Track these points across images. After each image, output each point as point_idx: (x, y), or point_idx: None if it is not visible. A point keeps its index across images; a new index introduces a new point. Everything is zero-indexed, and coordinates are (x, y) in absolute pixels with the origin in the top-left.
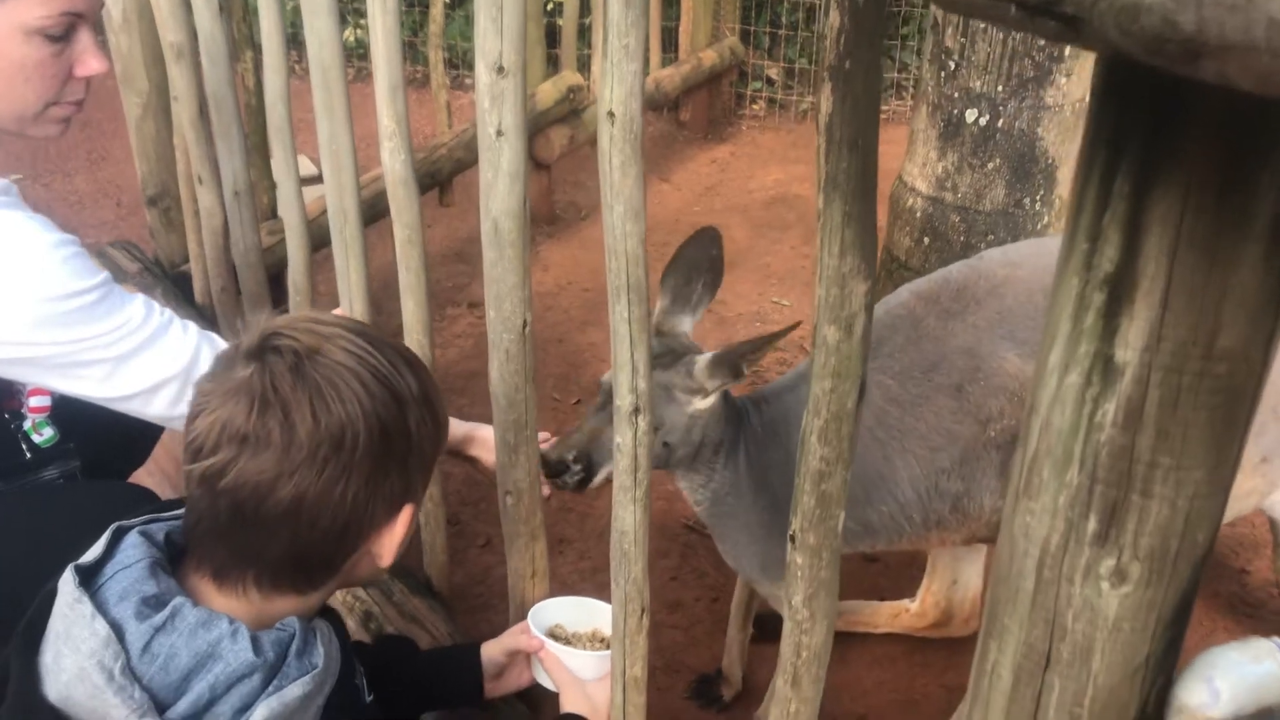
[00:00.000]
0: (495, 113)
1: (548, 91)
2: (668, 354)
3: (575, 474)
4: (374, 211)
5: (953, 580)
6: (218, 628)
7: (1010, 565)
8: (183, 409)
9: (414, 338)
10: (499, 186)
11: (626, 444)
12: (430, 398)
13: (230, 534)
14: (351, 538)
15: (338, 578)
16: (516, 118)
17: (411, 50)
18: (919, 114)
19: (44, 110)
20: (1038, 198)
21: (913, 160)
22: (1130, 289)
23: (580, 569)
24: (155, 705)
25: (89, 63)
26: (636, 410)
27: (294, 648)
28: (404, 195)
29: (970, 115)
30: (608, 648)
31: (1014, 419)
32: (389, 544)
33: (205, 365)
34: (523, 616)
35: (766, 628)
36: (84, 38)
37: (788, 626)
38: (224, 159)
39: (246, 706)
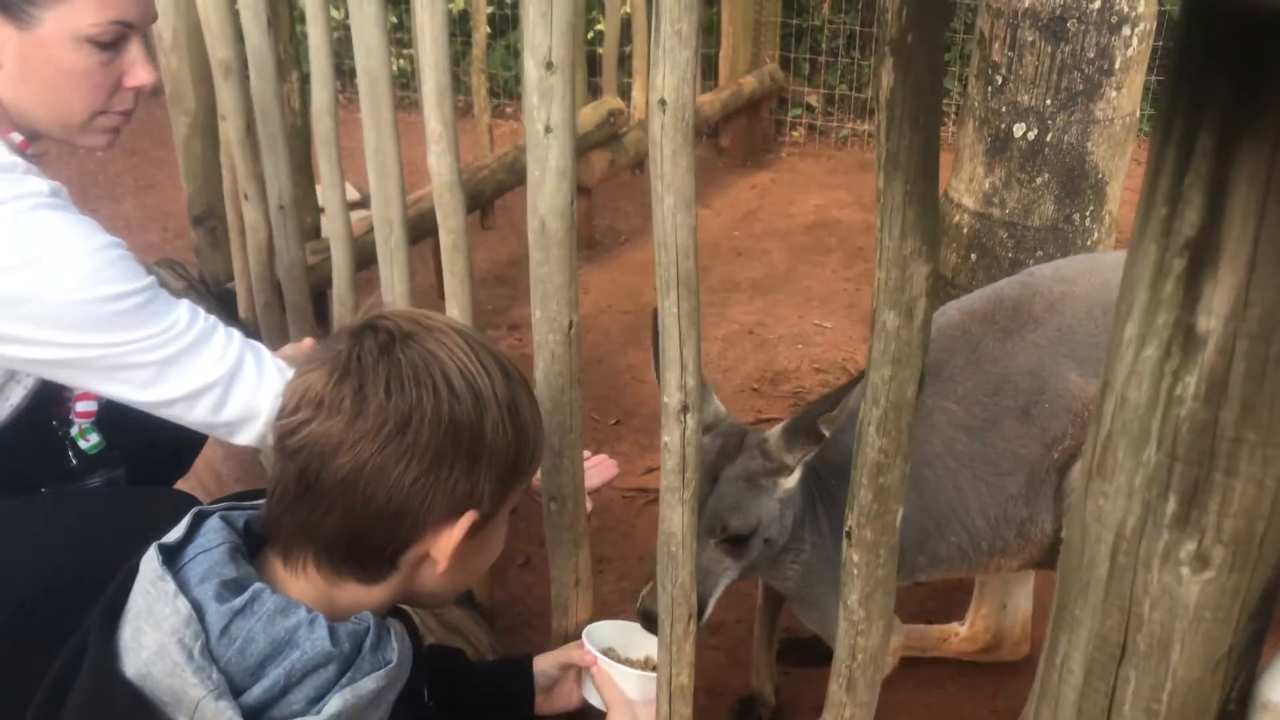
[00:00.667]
0: (544, 109)
1: (588, 116)
2: (723, 439)
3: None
4: (416, 232)
5: (1002, 604)
6: (296, 615)
7: (1082, 553)
8: (225, 416)
9: None
10: (546, 184)
11: (674, 443)
12: (517, 408)
13: (295, 504)
14: (406, 527)
15: (398, 574)
16: (565, 113)
17: (454, 80)
18: (965, 129)
19: (91, 120)
20: (1087, 213)
21: (959, 176)
22: (1214, 253)
23: (620, 589)
24: (230, 688)
25: (138, 73)
26: (685, 409)
27: (369, 641)
28: (450, 200)
29: (1018, 130)
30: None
31: (1076, 440)
32: (445, 546)
33: (249, 374)
34: (566, 626)
35: (811, 651)
36: (134, 48)
37: (843, 629)
38: (270, 173)
39: (320, 696)
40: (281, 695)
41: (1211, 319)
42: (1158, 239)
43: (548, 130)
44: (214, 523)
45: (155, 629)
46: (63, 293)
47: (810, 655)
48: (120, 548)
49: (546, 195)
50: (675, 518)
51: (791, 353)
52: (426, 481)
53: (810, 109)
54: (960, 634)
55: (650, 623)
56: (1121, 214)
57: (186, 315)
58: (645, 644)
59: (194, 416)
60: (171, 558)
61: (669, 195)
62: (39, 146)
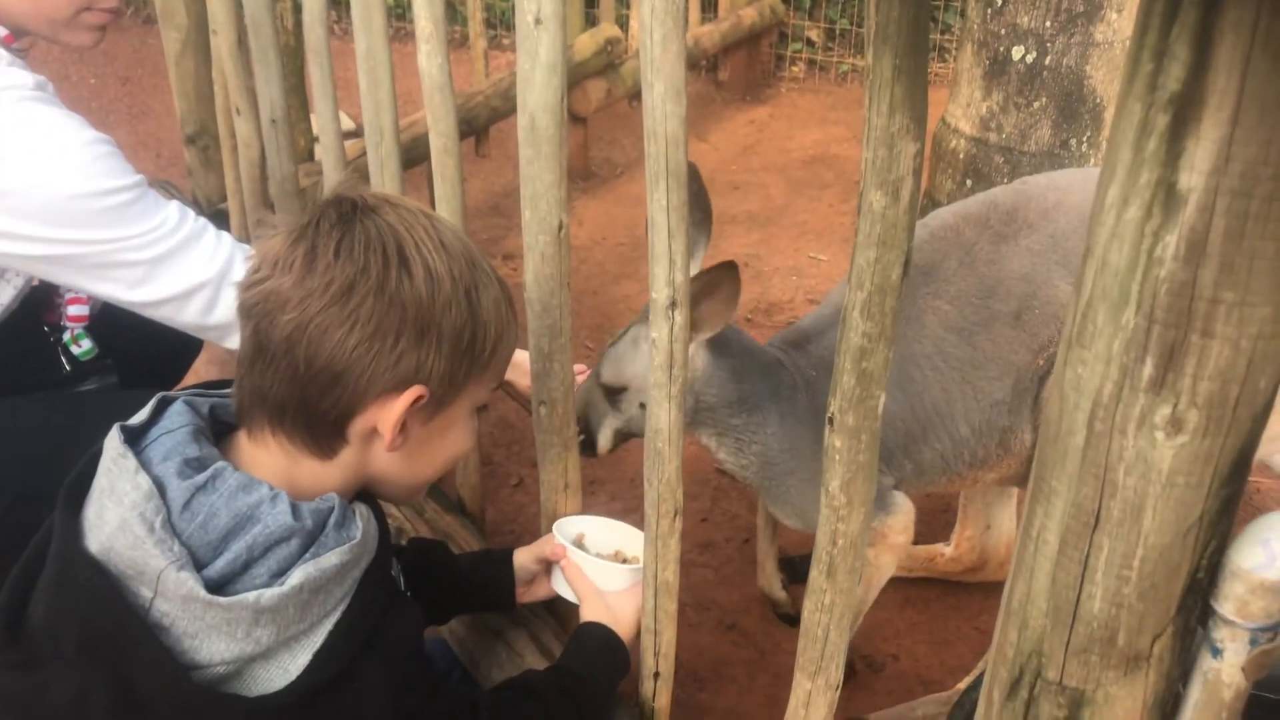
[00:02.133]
0: None
1: (585, 44)
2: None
3: (578, 437)
4: (409, 157)
5: (986, 525)
6: (258, 491)
7: (1060, 423)
8: (216, 318)
9: None
10: (536, 78)
11: (662, 339)
12: (475, 293)
13: (251, 366)
14: (348, 392)
15: (349, 449)
16: (556, 5)
17: (451, 11)
18: (964, 52)
19: (76, 15)
20: (1084, 139)
21: (956, 101)
22: (1198, 108)
23: (611, 510)
24: (193, 563)
25: None
26: (673, 304)
27: (333, 519)
28: (440, 101)
29: (1016, 52)
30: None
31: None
32: (386, 419)
33: (238, 274)
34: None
35: (798, 570)
36: None
37: (824, 515)
38: (261, 87)
39: (283, 570)
40: (244, 569)
41: (1193, 175)
42: (1142, 96)
43: (538, 22)
44: (178, 406)
45: (117, 504)
46: (51, 187)
47: (772, 604)
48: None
49: (536, 90)
50: (662, 414)
51: (785, 284)
52: (369, 348)
53: (810, 44)
54: (946, 554)
55: None
56: None
57: (176, 214)
58: (615, 538)
59: (185, 318)
60: (135, 439)
61: (659, 82)
62: (24, 43)
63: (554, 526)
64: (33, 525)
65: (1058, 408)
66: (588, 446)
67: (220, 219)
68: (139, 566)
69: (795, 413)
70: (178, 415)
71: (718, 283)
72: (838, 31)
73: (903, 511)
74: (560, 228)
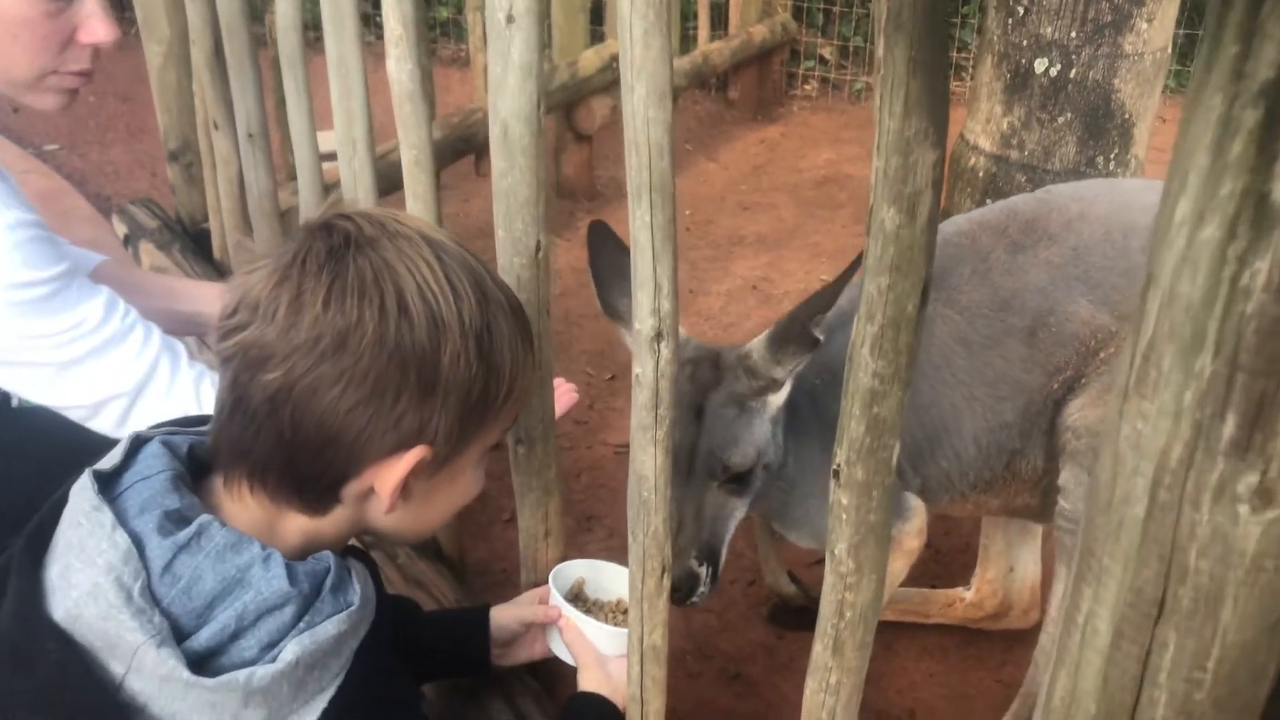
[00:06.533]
0: None
1: (590, 60)
2: (692, 365)
3: (706, 579)
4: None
5: (1009, 568)
6: (248, 551)
7: (1113, 488)
8: (129, 431)
9: None
10: (509, 82)
11: (646, 375)
12: (489, 338)
13: (229, 418)
14: (341, 458)
15: (343, 508)
16: (530, 2)
17: (457, 28)
18: (983, 65)
19: (40, 79)
20: (1112, 156)
21: (975, 116)
22: None
23: (610, 547)
24: (174, 632)
25: (94, 28)
26: (659, 335)
27: (329, 582)
28: (411, 111)
29: (1040, 65)
30: None
31: (1077, 373)
32: (385, 482)
33: (161, 383)
34: (535, 580)
35: (805, 615)
36: (90, 1)
37: (829, 581)
38: (238, 99)
39: (275, 642)
40: (232, 640)
41: None
42: (1224, 86)
43: (510, 19)
44: (153, 448)
45: (88, 565)
46: None
47: (804, 619)
48: (53, 477)
49: (509, 95)
50: (647, 459)
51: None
52: (365, 410)
53: (823, 61)
54: (965, 599)
55: (675, 593)
56: (1149, 158)
57: (100, 312)
58: (618, 585)
59: (96, 426)
60: (105, 486)
61: (640, 84)
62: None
63: (551, 575)
64: None
65: (1110, 469)
66: (715, 580)
67: (203, 239)
68: (111, 640)
69: (806, 429)
70: (154, 459)
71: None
72: (851, 49)
73: (917, 515)
74: (538, 249)
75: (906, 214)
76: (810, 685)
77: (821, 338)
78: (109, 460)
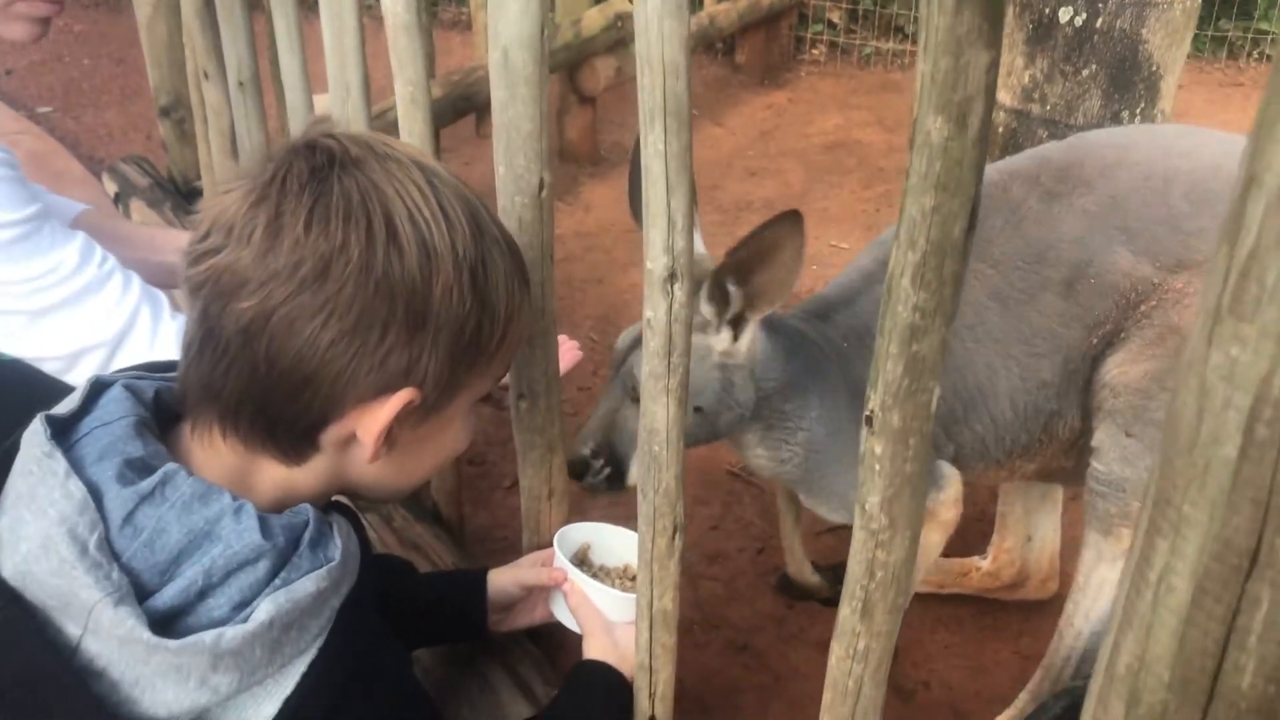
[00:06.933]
0: None
1: (594, 18)
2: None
3: (599, 470)
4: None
5: (1027, 536)
6: (218, 502)
7: (1198, 427)
8: None
9: None
10: (510, 4)
11: (658, 319)
12: (484, 272)
13: (199, 353)
14: (320, 399)
15: (322, 456)
16: None
17: None
18: (1005, 15)
19: (7, 4)
20: (1138, 110)
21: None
22: None
23: (611, 514)
24: (135, 590)
25: None
26: (672, 276)
27: (307, 536)
28: (406, 44)
29: (1064, 14)
30: None
31: (1116, 327)
32: (371, 427)
33: (142, 333)
34: (538, 544)
35: (793, 589)
36: None
37: (859, 538)
38: (228, 45)
39: (247, 600)
40: (199, 599)
41: None
42: None
43: None
44: (115, 392)
45: (39, 517)
46: None
47: (809, 590)
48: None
49: (511, 18)
50: (659, 411)
51: (806, 274)
52: (348, 345)
53: (832, 25)
54: (982, 568)
55: (569, 467)
56: (1175, 113)
57: (75, 257)
58: (624, 549)
59: (73, 379)
60: (63, 433)
61: None
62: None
63: (555, 538)
64: None
65: (1194, 405)
66: (615, 480)
67: (195, 198)
68: (65, 598)
69: (833, 390)
70: (116, 403)
71: (778, 243)
72: (860, 13)
73: (952, 483)
74: (541, 187)
75: (956, 124)
76: (836, 651)
77: (733, 289)
78: (65, 405)
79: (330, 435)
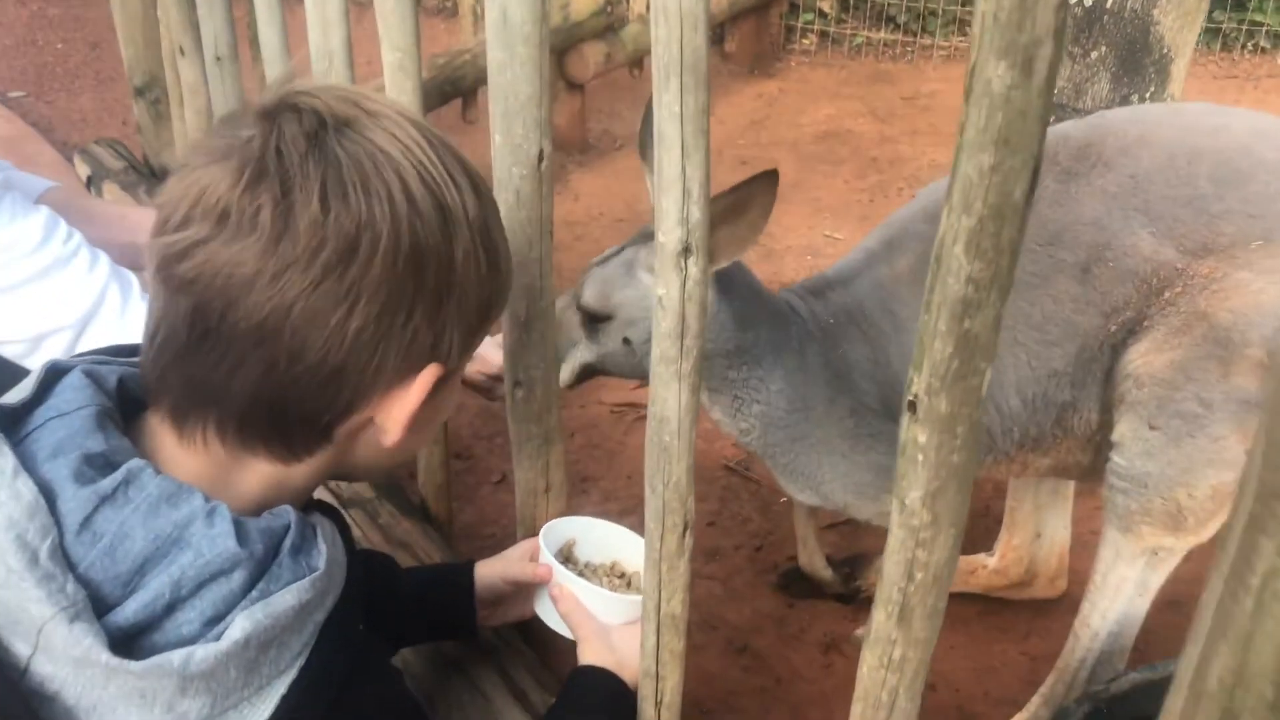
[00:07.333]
0: None
1: (584, 3)
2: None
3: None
4: None
5: (1036, 533)
6: (188, 504)
7: None
8: None
9: None
10: None
11: (671, 297)
12: (490, 233)
13: (189, 354)
14: (347, 391)
15: (330, 450)
16: None
17: None
18: None
19: None
20: (1147, 95)
21: None
22: None
23: (606, 511)
24: (94, 604)
25: None
26: (686, 250)
27: (289, 542)
28: (394, 6)
29: None
30: (629, 586)
31: (1138, 313)
32: (398, 415)
33: (110, 315)
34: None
35: (796, 585)
36: None
37: (897, 536)
38: (205, 17)
39: (220, 615)
40: (166, 614)
41: None
42: None
43: None
44: (74, 379)
45: None
46: None
47: (816, 587)
48: None
49: None
50: (669, 397)
51: (800, 264)
52: (377, 329)
53: (823, 15)
54: (989, 566)
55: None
56: (1187, 99)
57: (39, 233)
58: (611, 545)
59: (34, 363)
60: (13, 425)
61: None
62: None
63: (541, 533)
64: None
65: None
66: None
67: None
68: (13, 613)
69: (805, 367)
70: (74, 391)
71: (747, 202)
72: (851, 2)
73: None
74: (541, 157)
75: (1021, 70)
76: (868, 659)
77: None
78: (16, 393)
79: (349, 425)
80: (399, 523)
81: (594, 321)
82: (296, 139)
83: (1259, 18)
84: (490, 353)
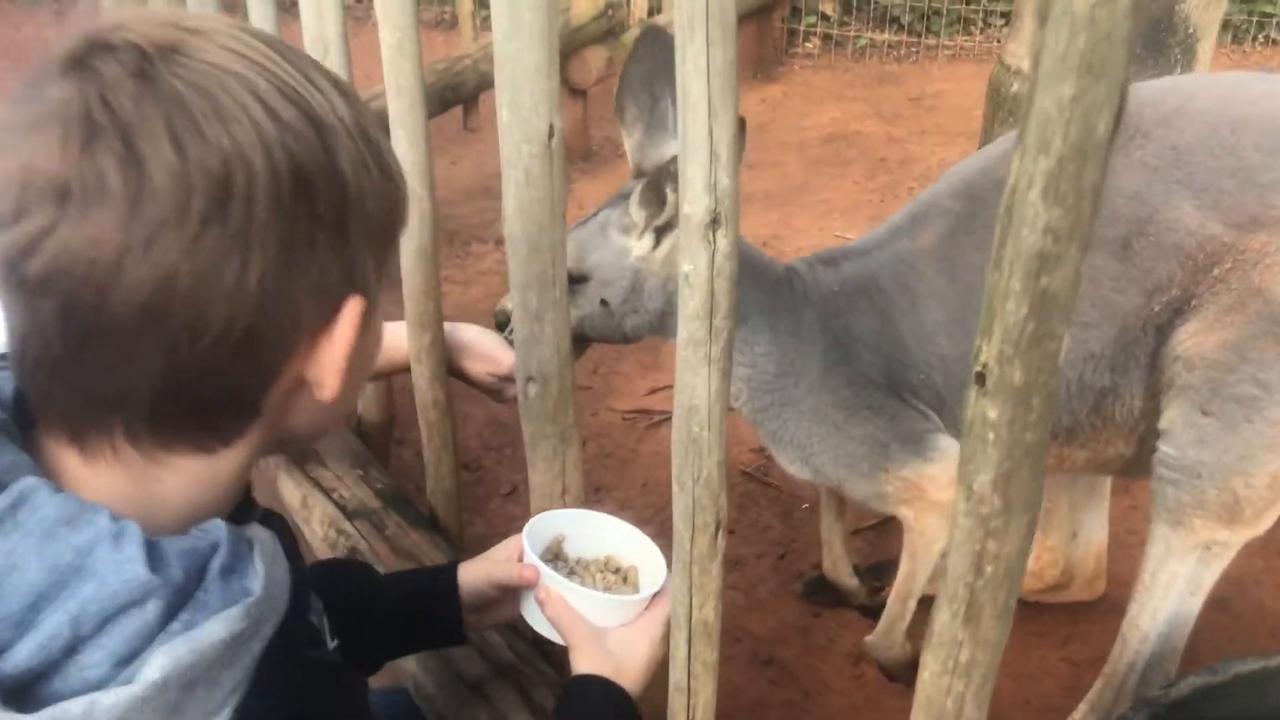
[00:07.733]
0: None
1: (585, 7)
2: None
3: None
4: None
5: (1072, 534)
6: (91, 525)
7: None
8: None
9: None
10: None
11: (699, 274)
12: (370, 135)
13: (70, 364)
14: (266, 354)
15: (261, 424)
16: None
17: None
18: None
19: None
20: (1173, 75)
21: (1018, 39)
22: None
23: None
24: None
25: None
26: (715, 222)
27: (216, 563)
28: None
29: None
30: (624, 582)
31: (1184, 291)
32: (330, 363)
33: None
34: None
35: (820, 593)
36: None
37: (964, 527)
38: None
39: (134, 653)
40: (66, 656)
41: None
42: None
43: None
44: None
45: None
46: None
47: (843, 593)
48: None
49: None
50: (698, 383)
51: None
52: (281, 275)
53: (825, 18)
54: (1026, 569)
55: (499, 322)
56: None
57: None
58: (605, 539)
59: None
60: None
61: None
62: None
63: (525, 530)
64: None
65: None
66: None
67: None
68: None
69: (798, 332)
70: None
71: None
72: (854, 4)
73: (946, 458)
74: (552, 133)
75: None
76: (931, 665)
77: (672, 196)
78: None
79: (278, 390)
80: (407, 534)
81: (572, 283)
82: (121, 81)
83: (1269, 9)
84: (498, 352)
